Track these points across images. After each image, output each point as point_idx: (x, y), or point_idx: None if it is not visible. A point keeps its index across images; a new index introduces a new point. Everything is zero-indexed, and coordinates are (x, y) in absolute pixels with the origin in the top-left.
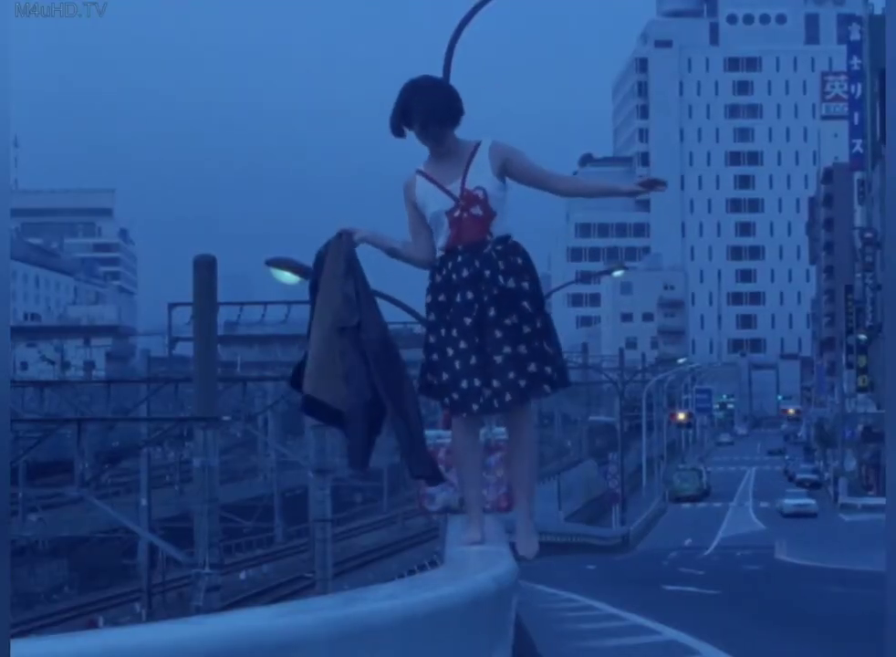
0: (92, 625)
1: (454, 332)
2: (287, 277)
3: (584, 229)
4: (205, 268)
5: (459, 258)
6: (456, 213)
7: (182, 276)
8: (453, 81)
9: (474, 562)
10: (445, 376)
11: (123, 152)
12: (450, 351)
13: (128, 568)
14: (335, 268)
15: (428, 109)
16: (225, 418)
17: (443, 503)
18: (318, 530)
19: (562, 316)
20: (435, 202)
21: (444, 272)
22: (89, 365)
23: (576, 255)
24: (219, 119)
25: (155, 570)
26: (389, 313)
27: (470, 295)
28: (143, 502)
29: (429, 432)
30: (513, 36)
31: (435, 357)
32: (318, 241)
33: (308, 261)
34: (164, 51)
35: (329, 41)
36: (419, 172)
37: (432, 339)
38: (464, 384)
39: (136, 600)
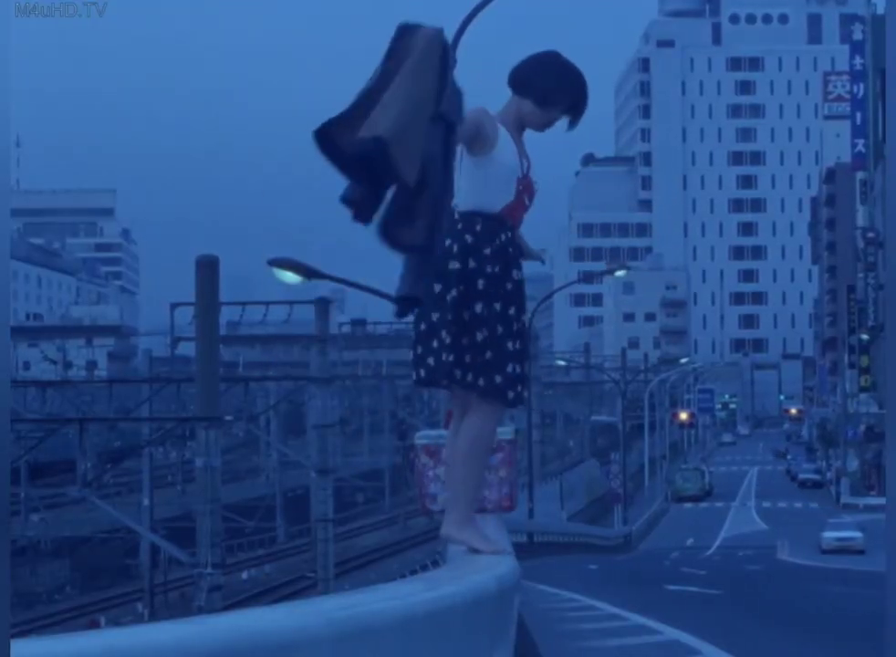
0: (94, 625)
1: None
2: (290, 277)
3: (586, 229)
4: (207, 268)
5: (510, 233)
6: (520, 187)
7: (185, 276)
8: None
9: (476, 562)
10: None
11: (124, 152)
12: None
13: (130, 568)
14: (431, 57)
15: (586, 104)
16: (227, 418)
17: (446, 503)
18: (320, 530)
19: (564, 316)
20: (515, 160)
21: (498, 242)
22: (91, 365)
23: (578, 254)
24: (220, 118)
25: (157, 570)
26: (389, 312)
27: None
28: (145, 502)
29: (430, 432)
30: (514, 35)
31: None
32: (320, 241)
33: (310, 261)
34: (164, 51)
35: (331, 41)
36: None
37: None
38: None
39: (138, 600)
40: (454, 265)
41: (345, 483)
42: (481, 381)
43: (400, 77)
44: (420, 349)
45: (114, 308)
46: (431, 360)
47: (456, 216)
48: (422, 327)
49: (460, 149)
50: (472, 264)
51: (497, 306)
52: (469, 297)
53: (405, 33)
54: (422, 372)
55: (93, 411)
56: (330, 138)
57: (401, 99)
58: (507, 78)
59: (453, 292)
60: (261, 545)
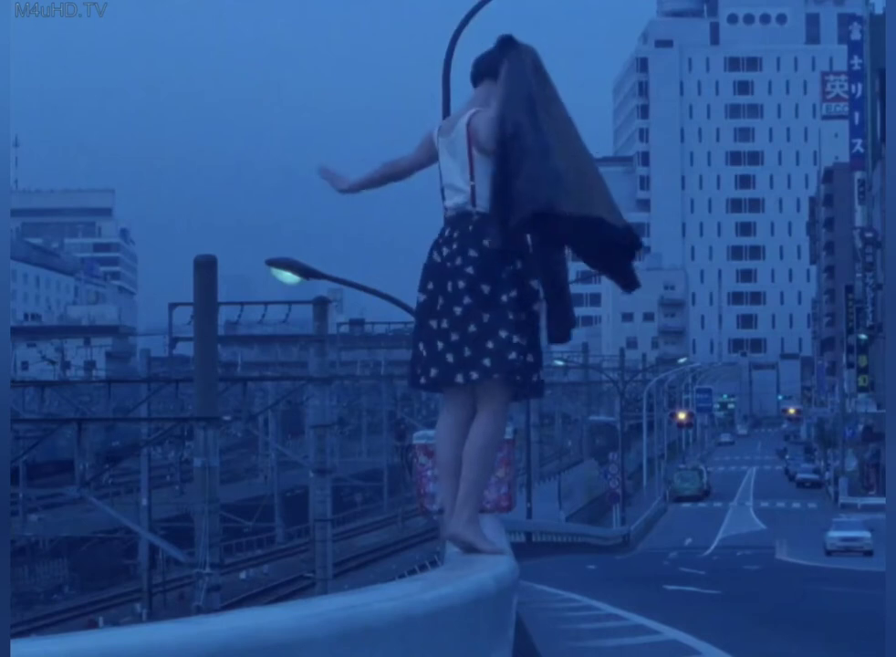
0: (92, 625)
1: None
2: (288, 277)
3: None
4: (206, 268)
5: None
6: None
7: (183, 276)
8: (453, 81)
9: (475, 562)
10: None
11: (123, 152)
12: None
13: (128, 568)
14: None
15: None
16: (226, 418)
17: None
18: (319, 530)
19: None
20: None
21: (524, 243)
22: (90, 365)
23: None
24: (220, 118)
25: (156, 570)
26: (392, 313)
27: None
28: (144, 502)
29: (428, 432)
30: (514, 35)
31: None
32: (319, 242)
33: (308, 261)
34: (164, 51)
35: (331, 41)
36: None
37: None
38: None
39: (136, 601)
40: (507, 264)
41: (343, 483)
42: (536, 377)
43: (565, 126)
44: (468, 352)
45: (112, 308)
46: (487, 362)
47: (477, 219)
48: (472, 328)
49: (471, 154)
50: (520, 265)
51: (537, 306)
52: (526, 297)
53: (513, 51)
54: (473, 375)
55: (91, 412)
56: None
57: (589, 159)
58: (477, 68)
59: (513, 293)
60: (259, 545)
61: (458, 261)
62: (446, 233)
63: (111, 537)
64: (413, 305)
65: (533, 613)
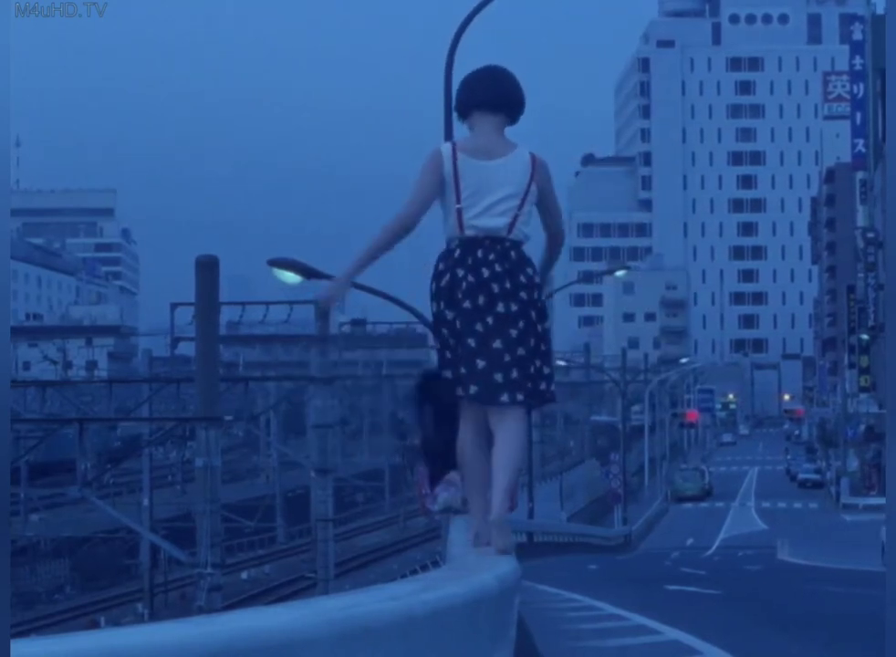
0: (94, 625)
1: None
2: (289, 278)
3: (586, 229)
4: (207, 268)
5: None
6: None
7: (185, 276)
8: (455, 81)
9: (477, 562)
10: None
11: (124, 152)
12: None
13: (130, 568)
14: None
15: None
16: (227, 418)
17: (445, 503)
18: (320, 530)
19: (564, 316)
20: None
21: None
22: (92, 365)
23: (578, 254)
24: (220, 118)
25: (157, 570)
26: (394, 313)
27: None
28: (145, 502)
29: None
30: (515, 35)
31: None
32: (320, 241)
33: (309, 261)
34: (164, 51)
35: (330, 41)
36: None
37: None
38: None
39: (138, 601)
40: (542, 295)
41: (345, 483)
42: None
43: None
44: (515, 374)
45: (114, 308)
46: (530, 386)
47: (525, 248)
48: (520, 352)
49: (529, 186)
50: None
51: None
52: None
53: None
54: (519, 396)
55: (93, 412)
56: None
57: None
58: (476, 101)
59: (546, 324)
60: (261, 545)
61: (508, 285)
62: (479, 254)
63: (113, 536)
64: (419, 307)
65: (534, 613)
